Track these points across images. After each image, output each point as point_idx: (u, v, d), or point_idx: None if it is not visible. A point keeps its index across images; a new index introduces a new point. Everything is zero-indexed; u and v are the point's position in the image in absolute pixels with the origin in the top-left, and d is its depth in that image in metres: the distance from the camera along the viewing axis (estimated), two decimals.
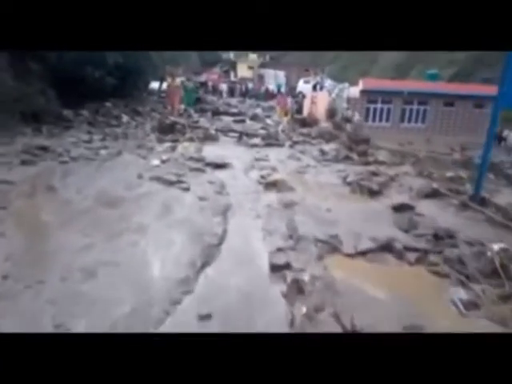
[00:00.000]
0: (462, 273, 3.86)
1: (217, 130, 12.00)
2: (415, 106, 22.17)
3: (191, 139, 10.81)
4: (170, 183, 6.47)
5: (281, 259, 3.94)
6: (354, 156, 9.58)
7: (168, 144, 9.90)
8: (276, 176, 7.11)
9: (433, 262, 4.11)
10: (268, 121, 16.77)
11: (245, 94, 30.44)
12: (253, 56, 42.21)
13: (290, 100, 23.08)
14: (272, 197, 6.27)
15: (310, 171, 8.19)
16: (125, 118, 14.13)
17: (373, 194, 6.39)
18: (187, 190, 6.27)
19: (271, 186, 6.70)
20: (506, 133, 23.89)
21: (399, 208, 5.71)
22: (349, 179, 7.10)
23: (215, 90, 30.32)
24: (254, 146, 10.96)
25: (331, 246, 4.34)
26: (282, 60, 41.17)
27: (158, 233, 4.55)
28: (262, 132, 13.37)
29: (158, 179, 6.70)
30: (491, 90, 22.21)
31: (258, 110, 20.76)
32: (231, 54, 42.82)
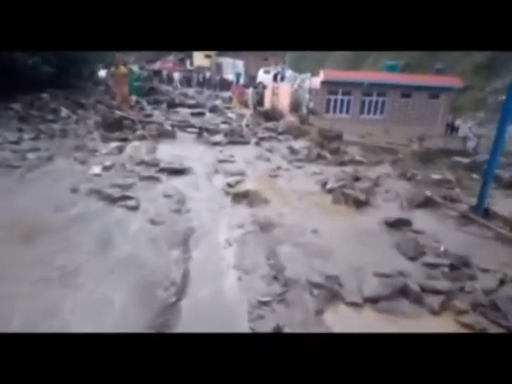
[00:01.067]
0: (501, 325, 2.89)
1: (173, 125, 10.46)
2: (374, 98, 21.83)
3: (143, 137, 9.23)
4: (113, 200, 5.01)
5: (267, 324, 2.74)
6: (327, 154, 8.56)
7: (114, 144, 8.27)
8: (246, 185, 5.89)
9: (460, 308, 3.11)
10: (229, 113, 15.37)
11: (202, 83, 28.59)
12: None
13: (248, 90, 21.74)
14: (243, 213, 5.03)
15: (283, 175, 7.03)
16: (64, 112, 12.11)
17: (359, 204, 5.36)
18: (135, 208, 4.86)
19: (241, 197, 5.45)
20: (458, 122, 24.17)
21: (394, 224, 4.73)
22: (329, 186, 6.03)
23: (170, 80, 28.21)
24: (217, 143, 9.61)
25: (330, 293, 3.21)
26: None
27: (89, 287, 3.15)
28: (225, 127, 12.00)
29: (98, 193, 5.21)
30: (445, 80, 22.32)
31: (218, 102, 19.25)
32: None
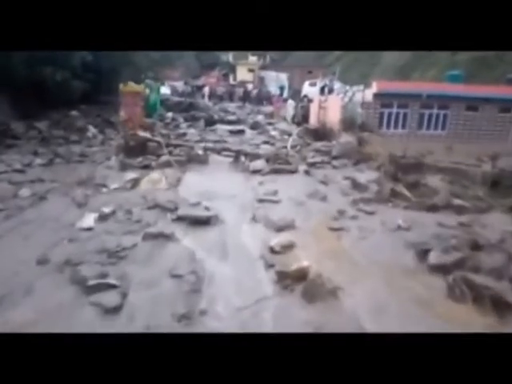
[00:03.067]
0: None
1: (206, 148, 8.51)
2: (435, 111, 18.83)
3: (168, 164, 7.36)
4: (89, 289, 2.99)
5: None
6: (404, 191, 6.12)
7: (129, 176, 6.42)
8: (298, 253, 3.66)
9: None
10: (272, 131, 13.26)
11: (244, 98, 26.91)
12: (252, 58, 38.72)
13: (289, 103, 19.59)
14: (297, 316, 2.83)
15: (350, 228, 4.71)
16: (91, 131, 10.68)
17: (503, 308, 2.93)
18: (117, 309, 2.81)
19: (292, 280, 3.26)
20: None
21: None
22: (434, 260, 3.64)
23: (212, 95, 26.83)
24: (257, 172, 7.52)
25: None
26: (284, 62, 37.60)
27: None
28: (266, 148, 9.91)
29: (72, 269, 3.27)
30: None
31: (260, 117, 17.22)
32: (230, 56, 39.38)
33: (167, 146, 8.16)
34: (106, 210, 4.61)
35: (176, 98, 20.02)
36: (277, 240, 4.00)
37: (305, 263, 3.35)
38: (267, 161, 8.08)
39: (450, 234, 4.23)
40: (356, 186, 6.58)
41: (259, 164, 7.78)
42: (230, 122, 15.88)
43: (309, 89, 23.03)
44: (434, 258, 3.68)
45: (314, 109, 20.14)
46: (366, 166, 8.02)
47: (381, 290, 3.28)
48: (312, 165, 8.35)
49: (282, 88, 28.24)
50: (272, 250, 3.90)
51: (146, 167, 7.34)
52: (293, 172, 7.64)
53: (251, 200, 5.76)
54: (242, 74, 35.50)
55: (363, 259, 3.86)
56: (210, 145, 9.25)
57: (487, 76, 24.90)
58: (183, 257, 3.71)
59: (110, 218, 4.57)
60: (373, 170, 7.51)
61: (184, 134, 11.27)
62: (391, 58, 41.41)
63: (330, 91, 19.96)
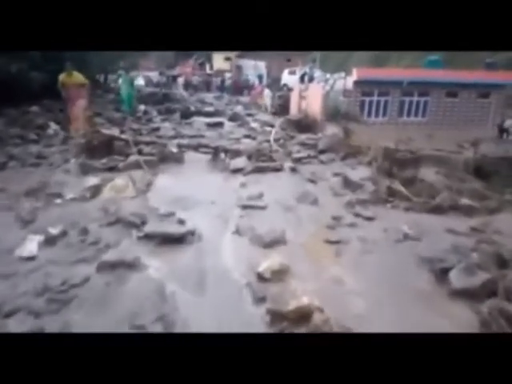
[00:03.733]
0: None
1: (180, 145, 7.58)
2: (415, 98, 18.44)
3: (137, 165, 6.42)
4: None
5: None
6: (401, 189, 5.45)
7: (90, 182, 5.46)
8: (300, 296, 2.84)
9: None
10: (253, 123, 12.38)
11: (222, 88, 25.75)
12: None
13: (266, 92, 18.69)
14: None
15: (350, 239, 3.99)
16: (52, 128, 9.52)
17: None
18: None
19: (292, 323, 2.50)
20: (508, 123, 20.34)
21: None
22: (457, 282, 2.97)
23: (189, 85, 25.53)
24: (238, 171, 6.69)
25: None
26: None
27: None
28: (247, 142, 9.08)
29: None
30: (497, 76, 18.59)
31: (239, 108, 16.26)
32: None
33: (137, 143, 7.18)
34: (54, 230, 3.68)
35: (149, 89, 18.77)
36: (266, 264, 3.21)
37: (305, 300, 2.58)
38: (249, 158, 7.26)
39: (468, 246, 3.57)
40: (348, 184, 5.86)
41: (240, 162, 6.95)
42: (207, 114, 14.89)
43: (288, 77, 22.19)
44: (456, 279, 3.00)
45: (294, 98, 19.34)
46: (355, 161, 7.32)
47: (398, 328, 2.57)
48: (298, 160, 7.59)
49: (260, 77, 27.22)
50: (261, 277, 3.14)
51: (112, 169, 6.38)
52: (278, 170, 6.85)
53: (233, 206, 4.96)
54: (219, 62, 34.16)
55: (371, 285, 3.14)
56: (185, 141, 8.32)
57: (464, 61, 24.76)
58: (149, 294, 2.88)
59: (59, 240, 3.66)
60: (364, 166, 6.82)
61: (157, 129, 10.26)
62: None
63: (311, 79, 19.21)
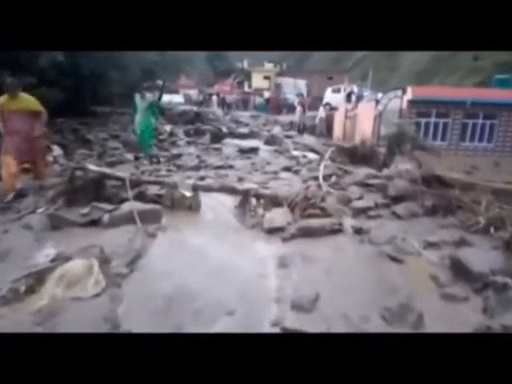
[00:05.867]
0: None
1: (196, 187, 5.32)
2: (480, 121, 15.26)
3: (129, 218, 4.26)
4: None
5: None
6: None
7: (47, 253, 3.34)
8: None
9: None
10: (294, 151, 9.99)
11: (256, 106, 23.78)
12: (269, 65, 35.75)
13: (298, 110, 16.41)
14: None
15: None
16: (56, 153, 7.75)
17: None
18: None
19: None
20: None
21: None
22: None
23: (224, 103, 23.82)
24: (275, 231, 4.33)
25: None
26: (302, 68, 34.35)
27: None
28: (287, 177, 6.71)
29: None
30: None
31: (277, 129, 13.95)
32: (245, 63, 36.43)
33: (137, 184, 5.06)
34: None
35: (182, 107, 17.13)
36: None
37: None
38: (291, 207, 4.88)
39: None
40: (463, 273, 3.28)
41: (279, 216, 4.57)
42: (241, 136, 12.82)
43: (332, 96, 19.72)
44: None
45: (339, 118, 16.90)
46: (455, 220, 4.67)
47: None
48: (361, 212, 5.10)
49: (300, 95, 25.02)
50: None
51: (94, 224, 4.27)
52: (335, 231, 4.40)
53: (271, 327, 2.58)
54: (258, 81, 32.51)
55: None
56: (204, 181, 6.10)
57: None
58: None
59: None
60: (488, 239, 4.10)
61: (178, 156, 8.22)
62: (409, 63, 38.02)
63: (359, 98, 16.68)
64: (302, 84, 27.04)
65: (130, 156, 7.96)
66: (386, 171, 6.63)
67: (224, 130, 12.37)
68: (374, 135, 13.18)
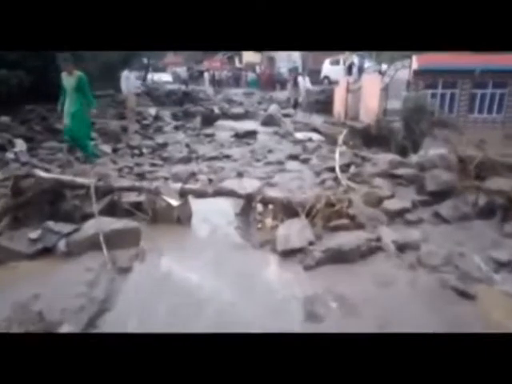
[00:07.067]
0: None
1: (184, 192, 4.01)
2: (489, 90, 14.04)
3: (92, 244, 3.05)
4: None
5: None
6: None
7: None
8: None
9: None
10: (297, 133, 8.64)
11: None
12: None
13: (300, 79, 14.93)
14: None
15: None
16: (17, 148, 6.37)
17: None
18: None
19: None
20: None
21: None
22: None
23: (215, 81, 22.02)
24: (290, 254, 3.16)
25: None
26: None
27: None
28: (295, 168, 5.48)
29: None
30: None
31: (273, 107, 12.46)
32: None
33: (106, 193, 3.78)
34: None
35: (170, 87, 15.42)
36: None
37: None
38: (311, 217, 3.66)
39: None
40: None
41: (296, 233, 3.36)
42: (235, 117, 11.41)
43: (330, 68, 18.06)
44: None
45: (339, 93, 15.44)
46: None
47: None
48: (397, 215, 3.93)
49: (295, 69, 23.22)
50: None
51: (46, 254, 3.06)
52: (373, 250, 3.22)
53: None
54: (249, 55, 30.37)
55: None
56: (194, 184, 4.83)
57: None
58: None
59: None
60: None
61: (164, 146, 6.89)
62: None
63: (360, 70, 15.17)
64: (296, 57, 25.16)
65: (107, 148, 6.59)
66: (414, 157, 5.39)
67: (216, 110, 10.92)
68: (381, 110, 11.86)
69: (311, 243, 3.28)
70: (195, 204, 4.08)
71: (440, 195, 4.34)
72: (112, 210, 3.72)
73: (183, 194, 3.98)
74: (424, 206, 4.26)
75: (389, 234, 3.47)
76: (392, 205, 4.11)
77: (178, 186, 4.03)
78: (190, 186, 4.20)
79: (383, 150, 6.64)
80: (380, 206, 4.13)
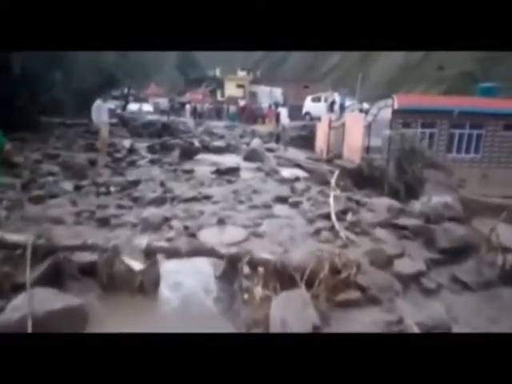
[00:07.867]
0: None
1: (150, 251, 3.15)
2: (467, 131, 14.22)
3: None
4: None
5: None
6: None
7: None
8: None
9: None
10: (283, 171, 8.01)
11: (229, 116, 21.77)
12: (241, 73, 33.95)
13: (283, 112, 14.70)
14: None
15: None
16: None
17: None
18: None
19: None
20: None
21: None
22: None
23: (196, 113, 21.60)
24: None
25: None
26: (276, 76, 32.80)
27: None
28: (283, 213, 4.74)
29: None
30: None
31: (256, 142, 11.91)
32: (217, 71, 34.42)
33: (50, 252, 2.86)
34: None
35: (150, 117, 14.74)
36: None
37: None
38: (313, 290, 2.86)
39: None
40: None
41: (295, 313, 2.54)
42: (216, 150, 10.77)
43: (312, 105, 18.10)
44: None
45: (322, 129, 15.29)
46: None
47: None
48: (411, 281, 3.20)
49: (276, 104, 23.33)
50: None
51: None
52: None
53: None
54: (231, 89, 30.53)
55: None
56: (164, 242, 3.99)
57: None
58: None
59: None
60: None
61: (135, 184, 6.03)
62: (377, 73, 38.25)
63: (342, 108, 15.11)
64: (277, 92, 25.36)
65: (68, 185, 5.66)
66: (417, 205, 4.79)
67: (196, 143, 10.25)
68: (364, 147, 11.58)
69: (316, 328, 2.45)
70: (165, 263, 3.20)
71: (454, 253, 3.68)
72: (53, 278, 2.79)
73: (150, 254, 3.10)
74: (437, 266, 3.59)
75: (410, 313, 2.71)
76: (405, 267, 3.39)
77: (144, 242, 3.15)
78: (160, 243, 3.31)
79: (376, 193, 6.06)
80: (390, 267, 3.40)
